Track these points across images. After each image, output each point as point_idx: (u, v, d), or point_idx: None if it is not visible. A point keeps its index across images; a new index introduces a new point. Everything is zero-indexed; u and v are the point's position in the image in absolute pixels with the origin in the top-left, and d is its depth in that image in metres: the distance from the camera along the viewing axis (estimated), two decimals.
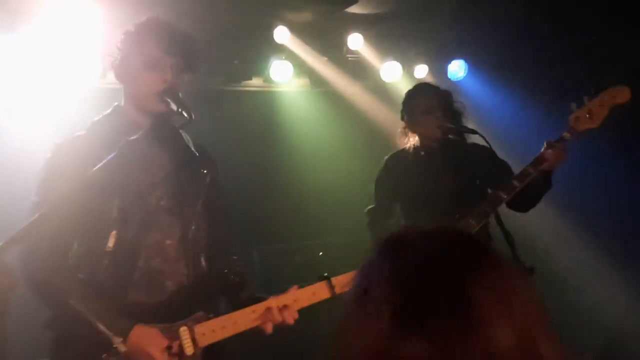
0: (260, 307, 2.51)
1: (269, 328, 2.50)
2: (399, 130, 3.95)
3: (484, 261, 1.06)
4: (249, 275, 2.85)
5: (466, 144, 3.80)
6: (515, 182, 3.30)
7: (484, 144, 3.50)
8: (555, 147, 3.27)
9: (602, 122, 3.25)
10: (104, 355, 2.35)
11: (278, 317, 2.49)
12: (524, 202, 3.52)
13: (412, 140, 3.88)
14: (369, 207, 3.93)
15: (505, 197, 3.29)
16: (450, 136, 3.73)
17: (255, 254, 5.01)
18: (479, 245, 1.09)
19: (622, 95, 3.25)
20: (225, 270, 2.75)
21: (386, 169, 3.92)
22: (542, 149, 3.31)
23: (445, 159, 3.75)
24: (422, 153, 3.81)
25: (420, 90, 3.95)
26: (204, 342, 2.46)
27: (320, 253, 4.97)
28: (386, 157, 3.97)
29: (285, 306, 2.51)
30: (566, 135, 3.29)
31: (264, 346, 4.29)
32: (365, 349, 1.00)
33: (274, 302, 2.51)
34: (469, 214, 3.35)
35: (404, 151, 3.91)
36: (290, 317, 2.51)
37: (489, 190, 3.62)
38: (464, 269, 1.03)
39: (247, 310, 2.51)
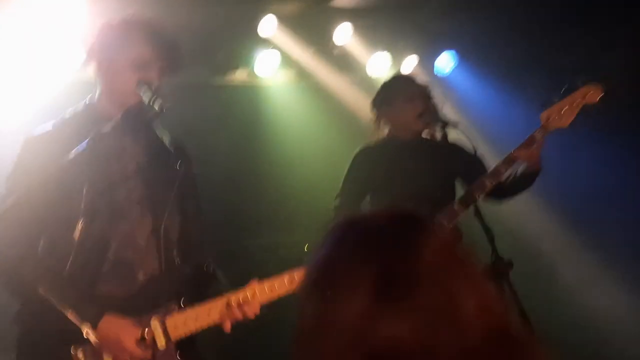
0: (219, 303, 2.47)
1: (227, 326, 2.45)
2: (371, 122, 3.86)
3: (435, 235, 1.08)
4: (218, 271, 2.78)
5: (439, 142, 3.73)
6: (487, 181, 3.36)
7: (461, 139, 3.49)
8: (526, 146, 3.34)
9: (571, 122, 3.30)
10: (72, 348, 2.33)
11: (237, 314, 2.44)
12: (496, 195, 3.58)
13: (384, 132, 3.81)
14: (335, 204, 3.75)
15: (478, 195, 3.35)
16: (424, 133, 3.71)
17: (239, 248, 4.98)
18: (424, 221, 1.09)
19: (593, 94, 3.28)
20: (198, 264, 2.71)
21: (356, 165, 3.80)
22: (514, 149, 3.38)
23: (417, 156, 3.70)
24: (393, 148, 3.74)
25: (401, 78, 3.96)
26: (175, 334, 2.44)
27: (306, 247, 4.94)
28: (356, 151, 3.85)
29: (245, 302, 2.46)
30: (537, 134, 3.35)
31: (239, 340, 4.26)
32: (343, 335, 0.99)
33: (232, 297, 2.47)
34: (439, 213, 3.41)
35: (374, 146, 3.82)
36: (251, 312, 2.46)
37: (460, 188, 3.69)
38: (420, 242, 1.04)
39: (206, 306, 2.48)
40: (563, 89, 3.32)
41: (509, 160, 3.38)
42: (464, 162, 3.66)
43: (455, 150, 3.68)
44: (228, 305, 2.45)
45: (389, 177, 3.68)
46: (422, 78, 3.97)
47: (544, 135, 3.34)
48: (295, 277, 2.50)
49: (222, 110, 5.27)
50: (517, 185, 3.54)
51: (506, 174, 3.41)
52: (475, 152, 3.47)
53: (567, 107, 3.29)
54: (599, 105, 3.30)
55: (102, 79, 2.59)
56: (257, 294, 2.49)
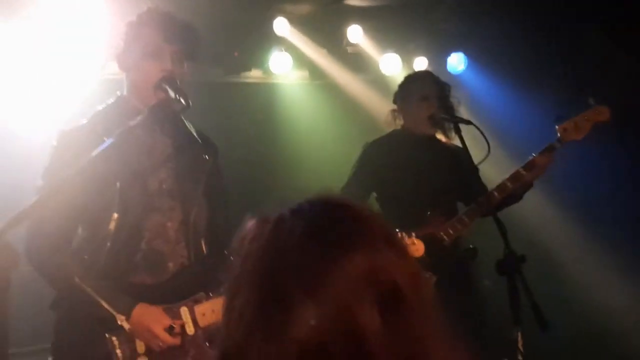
0: None
1: None
2: (388, 112, 3.92)
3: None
4: None
5: (449, 144, 3.79)
6: (508, 183, 3.50)
7: (475, 138, 3.54)
8: (545, 155, 3.50)
9: (585, 136, 3.51)
10: (107, 335, 2.43)
11: None
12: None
13: (399, 125, 3.86)
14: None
15: (498, 196, 3.48)
16: (437, 132, 3.75)
17: None
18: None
19: (603, 114, 3.50)
20: (225, 255, 2.77)
21: (365, 156, 3.84)
22: (533, 155, 3.52)
23: (426, 151, 3.75)
24: (404, 141, 3.79)
25: (420, 76, 3.99)
26: (204, 322, 2.54)
27: None
28: (366, 143, 3.90)
29: None
30: (556, 144, 3.51)
31: None
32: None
33: None
34: (460, 211, 3.58)
35: (386, 138, 3.89)
36: None
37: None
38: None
39: None
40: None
41: (530, 166, 3.49)
42: (464, 168, 3.70)
43: (461, 155, 3.71)
44: None
45: (397, 169, 3.73)
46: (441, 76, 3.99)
47: (561, 146, 3.49)
48: None
49: (238, 107, 5.33)
50: (514, 195, 3.60)
51: (525, 179, 3.51)
52: (477, 164, 3.52)
53: (581, 122, 3.48)
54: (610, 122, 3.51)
55: (125, 73, 2.68)
56: None
